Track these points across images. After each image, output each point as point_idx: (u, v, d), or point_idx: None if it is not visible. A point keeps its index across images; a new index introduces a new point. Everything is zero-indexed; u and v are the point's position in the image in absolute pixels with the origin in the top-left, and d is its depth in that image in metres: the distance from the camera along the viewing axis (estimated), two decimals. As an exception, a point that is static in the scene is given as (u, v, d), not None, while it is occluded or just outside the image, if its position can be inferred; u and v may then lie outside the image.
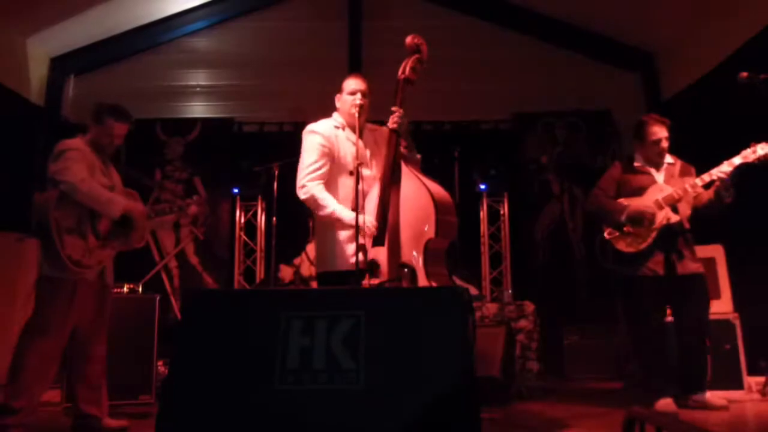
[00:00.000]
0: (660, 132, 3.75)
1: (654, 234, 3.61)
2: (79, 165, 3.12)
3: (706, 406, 3.52)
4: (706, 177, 3.57)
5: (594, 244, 3.95)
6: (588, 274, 6.52)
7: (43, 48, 6.73)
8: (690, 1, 5.89)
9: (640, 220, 3.61)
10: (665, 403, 3.52)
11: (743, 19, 5.32)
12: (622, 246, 3.69)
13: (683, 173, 3.79)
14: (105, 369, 3.37)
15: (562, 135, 6.90)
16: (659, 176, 3.78)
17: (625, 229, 3.68)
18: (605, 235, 3.78)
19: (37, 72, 6.73)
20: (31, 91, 6.58)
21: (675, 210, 3.65)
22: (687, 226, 3.72)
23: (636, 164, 3.85)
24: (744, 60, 5.10)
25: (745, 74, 3.31)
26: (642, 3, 6.32)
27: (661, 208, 3.62)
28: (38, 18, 6.28)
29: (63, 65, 6.98)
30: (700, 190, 3.62)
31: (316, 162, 3.06)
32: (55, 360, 3.17)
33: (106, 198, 3.16)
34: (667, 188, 3.69)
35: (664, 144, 3.76)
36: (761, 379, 4.11)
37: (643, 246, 3.63)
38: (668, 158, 3.83)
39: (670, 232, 3.63)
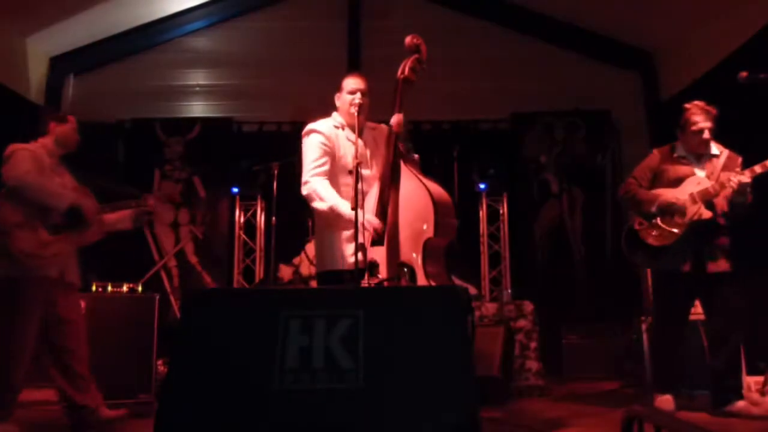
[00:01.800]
0: (702, 122, 3.54)
1: (683, 229, 3.46)
2: (26, 163, 3.17)
3: (742, 415, 3.33)
4: (748, 172, 3.37)
5: (620, 231, 3.83)
6: (587, 274, 6.53)
7: (42, 47, 6.73)
8: (690, 0, 5.89)
9: (671, 212, 3.49)
10: (665, 399, 3.51)
11: (743, 18, 5.32)
12: (649, 238, 3.56)
13: (727, 166, 3.56)
14: (88, 365, 3.39)
15: (561, 134, 6.89)
16: (700, 168, 3.59)
17: (654, 221, 3.55)
18: (635, 225, 3.63)
19: (37, 71, 6.73)
20: (30, 91, 6.58)
21: (710, 206, 3.47)
22: (722, 222, 3.52)
23: (676, 154, 3.66)
24: (744, 59, 5.10)
25: (745, 73, 3.28)
26: (641, 2, 6.32)
27: (695, 202, 3.46)
28: (38, 17, 6.28)
29: (62, 65, 6.99)
30: (736, 185, 3.38)
31: (319, 159, 3.06)
32: (23, 362, 3.17)
33: (51, 191, 3.20)
34: (704, 182, 3.51)
35: (707, 135, 3.55)
36: (760, 379, 4.11)
37: (671, 240, 3.49)
38: (714, 149, 3.62)
39: (701, 228, 3.46)
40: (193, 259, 6.64)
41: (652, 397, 3.61)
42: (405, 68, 3.03)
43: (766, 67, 3.33)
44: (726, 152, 3.63)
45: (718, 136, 3.65)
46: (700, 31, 6.01)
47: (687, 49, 6.34)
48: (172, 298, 6.41)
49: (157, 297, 4.49)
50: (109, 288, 4.38)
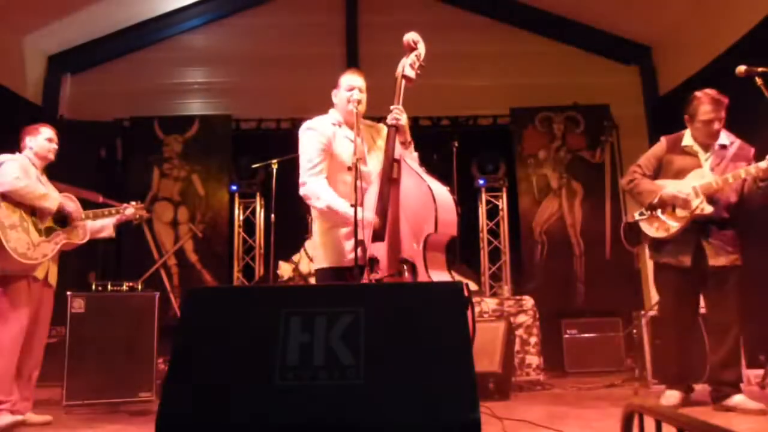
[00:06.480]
0: (713, 112, 3.42)
1: (683, 222, 3.42)
2: (15, 170, 3.41)
3: (739, 409, 3.30)
4: (752, 169, 3.28)
5: (619, 226, 3.84)
6: (586, 268, 6.53)
7: (39, 46, 6.71)
8: (688, -6, 5.89)
9: (673, 205, 3.46)
10: (671, 394, 3.50)
11: (741, 12, 5.31)
12: (649, 230, 3.54)
13: (738, 156, 3.47)
14: (39, 365, 3.61)
15: (560, 129, 6.89)
16: (706, 160, 3.50)
17: (655, 213, 3.52)
18: (635, 215, 3.62)
19: (34, 70, 6.71)
20: (28, 90, 6.57)
21: (712, 201, 3.40)
22: (727, 215, 3.46)
23: (684, 144, 3.57)
24: (742, 53, 5.09)
25: (743, 67, 3.28)
26: (640, -4, 6.31)
27: (697, 196, 3.39)
28: (35, 16, 6.26)
29: (60, 63, 6.97)
30: (740, 181, 3.37)
31: (315, 158, 3.04)
32: (16, 353, 3.38)
33: (41, 193, 3.45)
34: (708, 175, 3.43)
35: (716, 126, 3.44)
36: (760, 372, 4.13)
37: (671, 233, 3.45)
38: (723, 139, 3.51)
39: (702, 222, 3.42)
40: (193, 257, 6.63)
41: (652, 390, 3.62)
42: (404, 66, 3.00)
43: (765, 60, 3.32)
44: (737, 142, 3.53)
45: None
46: (699, 25, 6.00)
47: (686, 44, 6.33)
48: (172, 297, 6.41)
49: (157, 295, 4.49)
50: (109, 286, 4.38)
